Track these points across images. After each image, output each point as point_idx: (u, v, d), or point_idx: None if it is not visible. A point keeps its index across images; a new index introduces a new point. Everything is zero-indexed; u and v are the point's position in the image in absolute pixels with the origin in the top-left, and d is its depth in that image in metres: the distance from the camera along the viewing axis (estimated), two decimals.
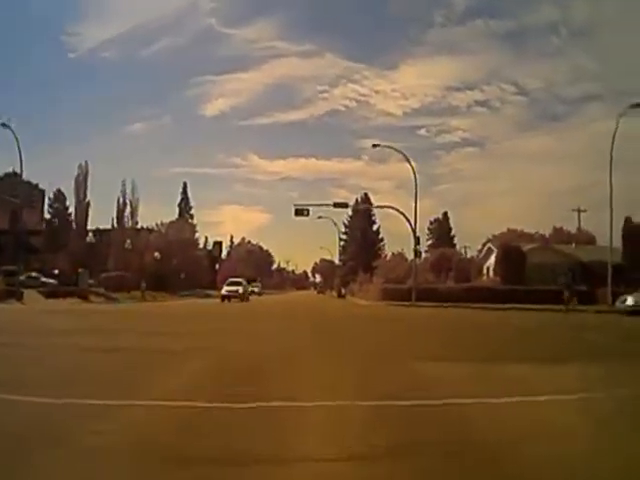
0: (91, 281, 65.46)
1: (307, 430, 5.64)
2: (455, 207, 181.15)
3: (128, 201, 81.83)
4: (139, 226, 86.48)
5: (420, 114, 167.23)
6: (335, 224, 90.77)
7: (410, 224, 45.39)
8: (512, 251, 54.82)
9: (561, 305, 35.32)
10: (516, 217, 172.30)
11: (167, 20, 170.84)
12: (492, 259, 60.87)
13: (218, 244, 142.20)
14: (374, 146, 49.69)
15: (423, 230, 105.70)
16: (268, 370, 9.64)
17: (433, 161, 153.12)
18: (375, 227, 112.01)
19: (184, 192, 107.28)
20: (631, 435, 5.58)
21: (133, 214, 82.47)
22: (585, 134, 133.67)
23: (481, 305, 40.68)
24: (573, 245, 65.84)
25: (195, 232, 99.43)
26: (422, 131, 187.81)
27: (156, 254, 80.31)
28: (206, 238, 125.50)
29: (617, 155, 41.93)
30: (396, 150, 49.40)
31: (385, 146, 50.43)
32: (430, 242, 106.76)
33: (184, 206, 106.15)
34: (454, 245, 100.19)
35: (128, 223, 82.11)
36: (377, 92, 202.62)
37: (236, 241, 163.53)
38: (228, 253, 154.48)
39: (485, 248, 65.03)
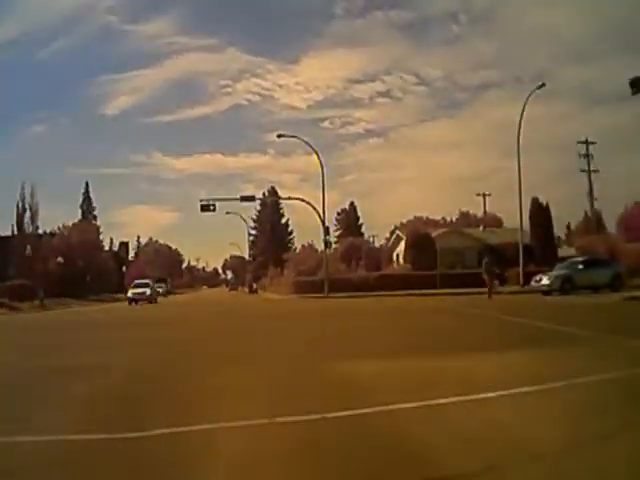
0: None
1: (216, 463, 4.75)
2: (361, 197, 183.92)
3: (27, 205, 77.59)
4: (40, 231, 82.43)
5: (324, 106, 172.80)
6: (244, 219, 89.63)
7: (318, 215, 44.95)
8: (421, 237, 55.13)
9: (479, 288, 35.10)
10: (422, 205, 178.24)
11: (65, 19, 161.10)
12: (401, 246, 61.15)
13: (124, 245, 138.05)
14: (279, 136, 48.76)
15: (331, 221, 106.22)
16: (169, 385, 8.67)
17: (338, 153, 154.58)
18: (284, 220, 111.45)
19: (86, 192, 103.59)
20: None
21: (33, 219, 78.01)
22: (485, 121, 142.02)
23: (395, 292, 40.51)
24: (481, 228, 66.94)
25: (99, 233, 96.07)
26: (326, 123, 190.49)
27: (59, 259, 77.16)
28: (111, 240, 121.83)
29: (514, 139, 42.47)
30: (302, 140, 48.77)
31: (290, 136, 49.52)
32: (339, 233, 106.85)
33: (86, 207, 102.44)
34: (362, 234, 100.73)
35: (28, 228, 78.02)
36: (280, 86, 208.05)
37: (143, 241, 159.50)
38: (136, 254, 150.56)
39: (394, 236, 65.25)
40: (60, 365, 11.02)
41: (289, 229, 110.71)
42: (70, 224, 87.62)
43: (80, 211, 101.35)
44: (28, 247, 66.22)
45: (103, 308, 46.54)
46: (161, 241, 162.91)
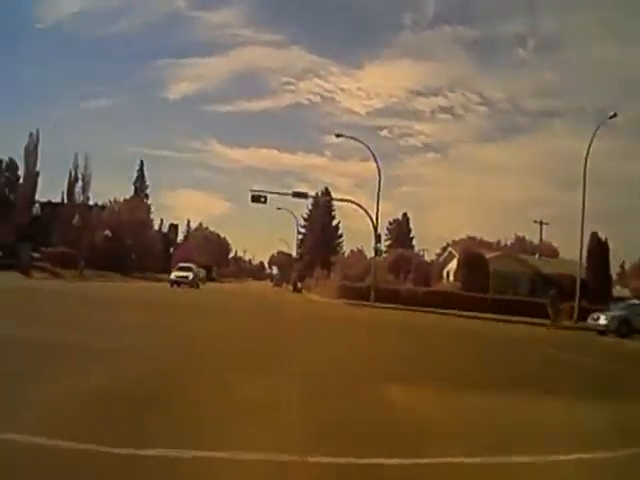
0: (37, 255, 62.45)
1: None
2: (413, 210, 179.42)
3: (80, 175, 77.88)
4: (91, 202, 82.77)
5: (383, 115, 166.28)
6: (294, 216, 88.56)
7: (372, 220, 43.33)
8: (474, 257, 53.30)
9: (531, 318, 33.40)
10: (473, 225, 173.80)
11: None
12: (453, 264, 59.34)
13: (174, 227, 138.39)
14: (337, 136, 47.53)
15: (382, 230, 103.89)
16: (191, 394, 7.36)
17: (395, 163, 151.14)
18: (335, 222, 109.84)
19: (140, 170, 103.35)
20: None
21: (85, 189, 78.46)
22: (543, 148, 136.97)
23: (443, 311, 38.92)
24: (537, 256, 64.77)
25: (150, 213, 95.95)
26: (385, 132, 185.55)
27: (107, 232, 77.17)
28: (161, 220, 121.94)
29: (578, 171, 40.35)
30: (361, 143, 47.27)
31: (349, 137, 48.24)
32: (388, 242, 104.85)
33: (139, 185, 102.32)
34: (412, 247, 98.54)
35: (79, 198, 78.27)
36: (342, 89, 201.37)
37: (193, 226, 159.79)
38: (185, 238, 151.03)
39: (446, 253, 63.39)
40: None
41: (339, 232, 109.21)
42: (121, 199, 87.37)
43: (133, 188, 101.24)
44: (77, 216, 66.19)
45: (143, 286, 45.84)
46: (211, 228, 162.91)
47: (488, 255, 55.67)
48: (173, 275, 52.06)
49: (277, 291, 77.20)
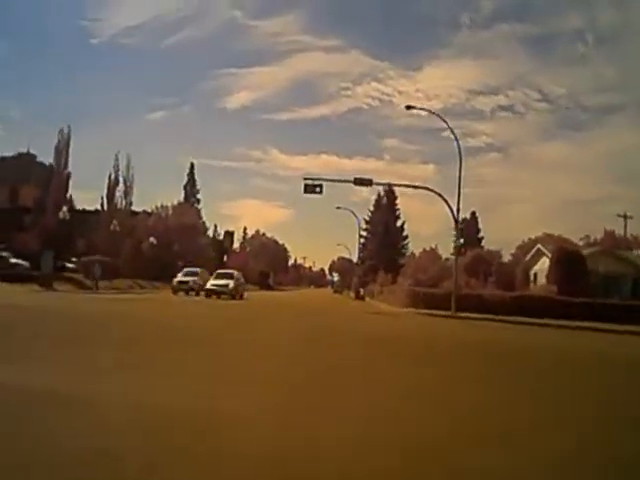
0: (70, 264, 56.76)
1: None
2: (477, 212, 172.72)
3: (121, 178, 71.64)
4: (138, 209, 76.92)
5: (444, 115, 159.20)
6: (355, 215, 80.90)
7: (452, 211, 35.33)
8: (571, 255, 44.92)
9: None
10: (541, 224, 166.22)
11: (190, 10, 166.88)
12: (541, 264, 51.02)
13: (229, 234, 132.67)
14: (408, 107, 39.49)
15: (449, 231, 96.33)
16: None
17: (455, 164, 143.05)
18: (399, 223, 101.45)
19: (190, 174, 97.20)
20: None
21: (127, 193, 72.24)
22: (606, 144, 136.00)
23: (544, 321, 30.89)
24: (637, 252, 55.96)
25: (200, 218, 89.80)
26: (446, 133, 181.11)
27: (151, 239, 71.03)
28: (215, 227, 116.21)
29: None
30: (435, 114, 39.54)
31: (421, 109, 40.61)
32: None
33: (190, 189, 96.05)
34: (482, 247, 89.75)
35: (121, 203, 72.19)
36: (400, 92, 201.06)
37: (251, 233, 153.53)
38: (241, 245, 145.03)
39: (533, 250, 54.73)
40: None
41: (404, 233, 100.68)
42: (169, 205, 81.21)
43: (183, 193, 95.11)
44: (114, 222, 59.99)
45: (168, 299, 38.66)
46: (268, 235, 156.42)
47: (585, 252, 47.24)
48: (210, 284, 44.96)
49: (337, 299, 69.66)
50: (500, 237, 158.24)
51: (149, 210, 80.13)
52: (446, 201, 35.67)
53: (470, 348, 16.59)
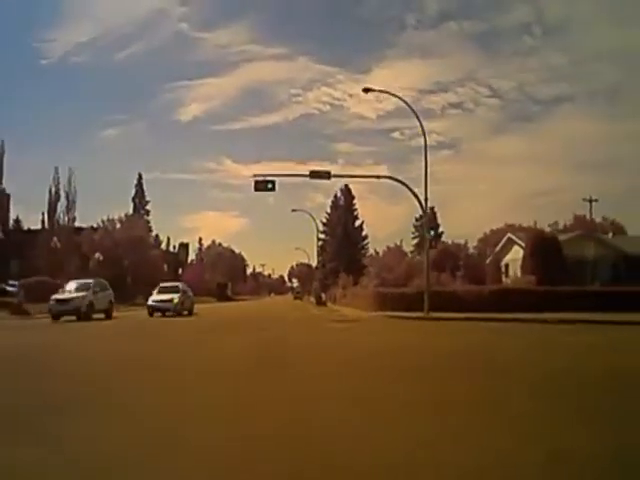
0: (11, 288, 51.81)
1: None
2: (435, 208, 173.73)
3: (64, 193, 66.39)
4: (81, 224, 71.74)
5: (394, 117, 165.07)
6: (312, 217, 76.87)
7: (419, 201, 31.45)
8: (546, 242, 41.70)
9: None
10: (498, 217, 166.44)
11: (139, 24, 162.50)
12: (513, 254, 47.89)
13: (184, 246, 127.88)
14: (365, 91, 34.99)
15: (408, 229, 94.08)
16: None
17: (406, 165, 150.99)
18: (358, 223, 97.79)
19: (138, 185, 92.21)
20: None
21: (70, 208, 67.00)
22: (557, 135, 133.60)
23: (532, 316, 27.18)
24: (610, 235, 53.17)
25: (150, 230, 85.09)
26: (396, 134, 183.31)
27: (97, 255, 66.20)
28: (168, 239, 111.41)
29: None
30: (394, 96, 35.44)
31: (380, 91, 36.29)
32: (416, 241, 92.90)
33: (138, 201, 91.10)
34: (442, 244, 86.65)
35: (63, 219, 67.02)
36: (351, 95, 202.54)
37: (206, 244, 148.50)
38: (197, 256, 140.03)
39: (503, 240, 51.39)
40: None
41: (363, 233, 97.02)
42: (116, 218, 76.22)
43: (132, 205, 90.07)
44: (55, 239, 55.15)
45: (122, 320, 34.39)
46: (225, 245, 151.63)
47: (562, 237, 44.07)
48: (152, 300, 38.94)
49: (297, 306, 65.51)
50: (459, 233, 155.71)
51: (95, 225, 75.27)
52: (411, 190, 31.84)
53: (461, 359, 12.74)
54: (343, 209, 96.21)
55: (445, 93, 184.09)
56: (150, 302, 38.71)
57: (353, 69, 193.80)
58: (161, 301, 38.00)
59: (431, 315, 30.08)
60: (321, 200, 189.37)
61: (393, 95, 35.36)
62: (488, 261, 51.58)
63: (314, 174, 32.26)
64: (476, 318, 27.43)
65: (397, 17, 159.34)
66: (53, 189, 64.84)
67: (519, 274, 42.94)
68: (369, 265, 53.15)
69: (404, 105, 33.24)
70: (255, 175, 31.30)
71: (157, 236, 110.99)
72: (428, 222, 30.61)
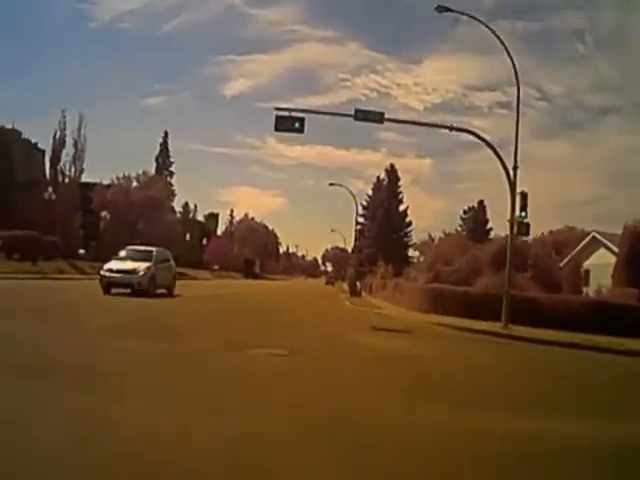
0: None
1: None
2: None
3: (73, 140, 57.93)
4: (85, 176, 63.38)
5: (441, 110, 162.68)
6: (351, 193, 67.78)
7: (507, 174, 22.26)
8: None
9: None
10: (545, 220, 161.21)
11: None
12: (597, 258, 38.82)
13: (214, 217, 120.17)
14: (439, 9, 25.10)
15: (455, 221, 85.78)
16: None
17: (451, 159, 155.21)
18: (402, 207, 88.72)
19: (164, 143, 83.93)
20: None
21: (77, 158, 58.42)
22: (603, 145, 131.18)
23: None
24: None
25: (173, 194, 76.98)
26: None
27: (104, 214, 58.34)
28: (195, 206, 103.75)
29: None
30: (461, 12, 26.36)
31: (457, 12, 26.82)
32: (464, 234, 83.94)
33: (162, 160, 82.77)
34: (490, 241, 77.44)
35: (70, 169, 58.68)
36: (398, 85, 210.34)
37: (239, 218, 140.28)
38: (226, 229, 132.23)
39: (586, 240, 41.85)
40: None
41: (407, 219, 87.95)
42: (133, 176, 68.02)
43: (154, 165, 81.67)
44: (50, 189, 47.06)
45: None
46: (258, 220, 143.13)
47: None
48: (106, 269, 25.84)
49: (329, 293, 57.02)
50: (505, 233, 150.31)
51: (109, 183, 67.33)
52: (496, 151, 22.74)
53: None
54: (386, 191, 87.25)
55: (493, 92, 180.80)
56: (104, 272, 25.70)
57: (403, 59, 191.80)
58: (120, 272, 25.42)
59: (511, 330, 21.21)
60: (361, 187, 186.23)
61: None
62: (563, 264, 42.18)
63: (360, 114, 23.37)
64: (584, 345, 18.52)
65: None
66: (58, 134, 56.23)
67: (605, 283, 33.75)
68: (421, 252, 42.81)
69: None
70: (277, 109, 22.39)
71: (186, 204, 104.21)
72: (522, 199, 21.44)
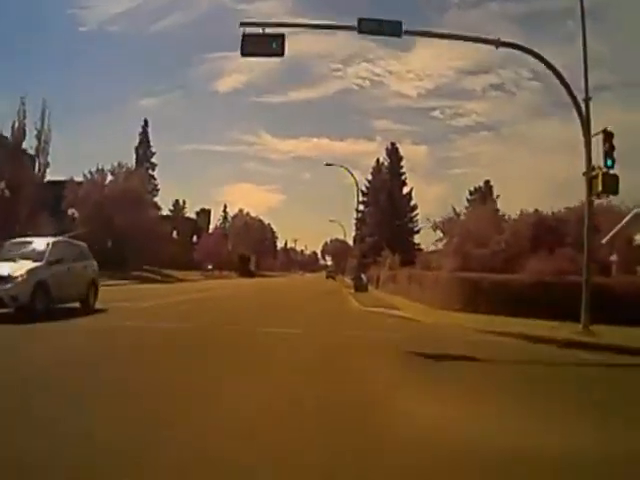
0: None
1: None
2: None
3: (36, 130, 50.58)
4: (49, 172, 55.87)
5: (435, 96, 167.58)
6: (350, 172, 60.93)
7: (572, 95, 15.12)
8: None
9: None
10: (536, 202, 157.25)
11: None
12: None
13: (205, 213, 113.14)
14: None
15: (461, 202, 79.53)
16: None
17: (447, 144, 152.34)
18: (406, 190, 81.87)
19: (144, 133, 76.73)
20: None
21: (40, 151, 50.97)
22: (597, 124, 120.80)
23: None
24: None
25: (155, 187, 69.95)
26: (436, 113, 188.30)
27: (71, 211, 51.51)
28: (184, 202, 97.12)
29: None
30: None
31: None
32: None
33: (142, 151, 75.53)
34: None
35: (31, 165, 51.19)
36: (391, 72, 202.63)
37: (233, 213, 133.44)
38: (219, 225, 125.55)
39: (629, 216, 34.82)
40: None
41: (412, 202, 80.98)
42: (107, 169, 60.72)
43: (134, 156, 74.52)
44: (2, 183, 40.18)
45: None
46: (253, 215, 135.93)
47: None
48: None
49: (330, 289, 50.24)
50: (512, 212, 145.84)
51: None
52: (562, 79, 16.05)
53: None
54: (388, 172, 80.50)
55: (486, 74, 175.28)
56: None
57: (395, 46, 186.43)
58: None
59: (597, 336, 14.38)
60: (359, 178, 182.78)
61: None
62: (605, 240, 35.37)
63: (365, 25, 16.06)
64: None
65: None
66: (17, 124, 48.85)
67: None
68: (444, 232, 33.96)
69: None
70: (244, 24, 15.09)
71: (177, 201, 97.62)
72: (588, 136, 14.64)
